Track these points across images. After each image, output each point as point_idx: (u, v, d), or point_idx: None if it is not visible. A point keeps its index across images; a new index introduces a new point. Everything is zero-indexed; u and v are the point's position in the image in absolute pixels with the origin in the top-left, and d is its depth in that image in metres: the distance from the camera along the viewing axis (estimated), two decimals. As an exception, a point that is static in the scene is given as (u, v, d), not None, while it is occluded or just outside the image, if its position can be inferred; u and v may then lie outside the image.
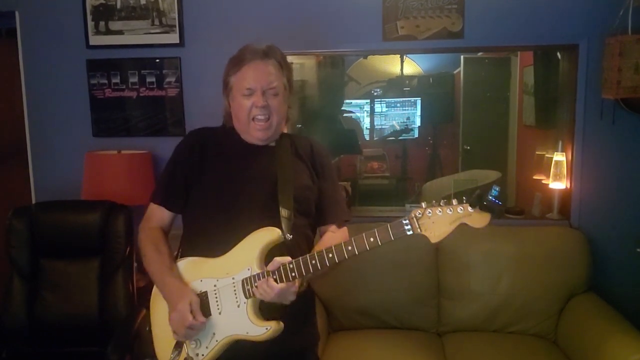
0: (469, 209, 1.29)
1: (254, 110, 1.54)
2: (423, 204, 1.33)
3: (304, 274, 1.40)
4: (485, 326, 2.57)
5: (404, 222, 1.33)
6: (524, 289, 2.53)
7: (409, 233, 1.33)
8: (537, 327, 2.54)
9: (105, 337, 2.24)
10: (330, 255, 1.38)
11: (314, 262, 1.39)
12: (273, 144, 1.64)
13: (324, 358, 2.35)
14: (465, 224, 1.31)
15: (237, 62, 1.57)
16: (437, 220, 1.31)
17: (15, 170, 3.28)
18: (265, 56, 1.55)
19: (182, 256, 1.60)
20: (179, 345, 1.53)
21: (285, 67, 1.59)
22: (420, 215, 1.32)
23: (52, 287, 2.45)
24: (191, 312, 1.46)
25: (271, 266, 1.42)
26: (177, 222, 1.69)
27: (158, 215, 1.66)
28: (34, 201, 2.96)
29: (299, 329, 1.59)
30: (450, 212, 1.30)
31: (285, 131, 1.71)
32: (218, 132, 1.68)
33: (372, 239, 1.35)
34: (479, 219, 1.29)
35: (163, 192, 1.67)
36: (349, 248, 1.37)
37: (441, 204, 1.32)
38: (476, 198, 1.28)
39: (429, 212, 1.32)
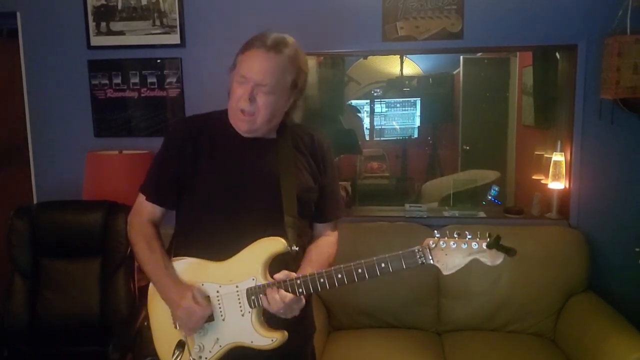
0: (484, 246, 1.29)
1: (241, 101, 1.46)
2: (436, 233, 1.33)
3: (312, 290, 1.40)
4: (485, 325, 2.59)
5: (417, 251, 1.33)
6: (523, 288, 2.54)
7: (420, 262, 1.33)
8: (536, 326, 2.55)
9: (106, 336, 2.26)
10: (340, 276, 1.38)
11: (322, 280, 1.39)
12: (274, 136, 1.56)
13: (324, 357, 2.36)
14: (477, 260, 1.31)
15: (248, 44, 1.49)
16: (450, 253, 1.31)
17: (16, 170, 3.28)
18: (272, 49, 1.44)
19: (176, 255, 1.55)
20: (180, 346, 1.51)
21: (295, 65, 1.50)
22: (433, 246, 1.32)
23: (53, 286, 2.46)
24: (196, 302, 1.44)
25: (280, 275, 1.42)
26: (169, 220, 1.64)
27: (149, 209, 1.58)
28: (35, 201, 2.97)
29: (298, 326, 1.57)
30: (464, 247, 1.30)
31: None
32: (211, 121, 1.58)
33: (383, 265, 1.36)
34: (492, 258, 1.30)
35: (155, 188, 1.57)
36: (359, 271, 1.37)
37: (455, 235, 1.32)
38: (494, 240, 1.27)
39: (443, 244, 1.31)
